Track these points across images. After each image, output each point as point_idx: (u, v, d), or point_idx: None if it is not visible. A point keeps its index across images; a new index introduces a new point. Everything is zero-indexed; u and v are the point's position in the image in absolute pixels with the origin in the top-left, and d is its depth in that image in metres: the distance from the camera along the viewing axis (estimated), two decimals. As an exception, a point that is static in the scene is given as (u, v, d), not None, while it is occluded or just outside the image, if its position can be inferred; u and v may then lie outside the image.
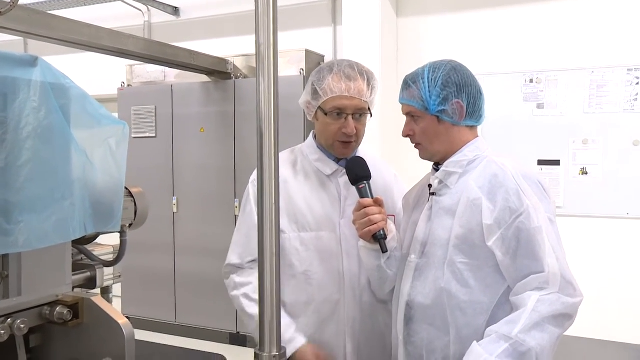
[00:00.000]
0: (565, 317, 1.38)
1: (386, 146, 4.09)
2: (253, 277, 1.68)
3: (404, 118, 1.63)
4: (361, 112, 1.71)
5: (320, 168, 1.78)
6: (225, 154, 4.70)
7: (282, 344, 1.41)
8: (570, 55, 4.14)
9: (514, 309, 1.41)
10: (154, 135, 5.04)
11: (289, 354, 1.57)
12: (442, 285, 1.50)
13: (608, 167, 4.06)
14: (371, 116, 1.75)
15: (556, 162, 4.18)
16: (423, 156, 1.63)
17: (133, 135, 5.07)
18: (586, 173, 4.11)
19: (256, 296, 1.50)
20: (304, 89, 1.79)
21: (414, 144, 1.62)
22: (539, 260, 1.40)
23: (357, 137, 1.73)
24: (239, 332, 4.68)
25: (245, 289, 1.73)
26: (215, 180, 4.74)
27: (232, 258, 1.79)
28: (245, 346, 4.61)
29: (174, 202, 4.94)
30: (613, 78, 4.03)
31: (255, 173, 1.85)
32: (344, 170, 1.73)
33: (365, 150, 1.83)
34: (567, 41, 4.15)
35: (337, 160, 1.78)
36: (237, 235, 1.81)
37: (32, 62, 1.21)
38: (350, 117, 1.68)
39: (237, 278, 1.77)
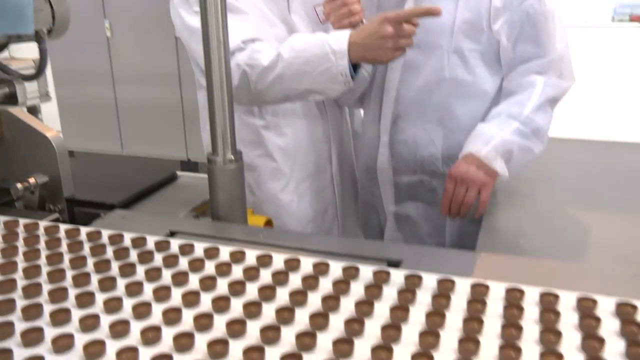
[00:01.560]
0: (557, 101, 1.41)
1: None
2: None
3: None
4: None
5: None
6: (158, -32, 4.22)
7: (332, 53, 1.25)
8: None
9: (511, 93, 1.40)
10: (73, -53, 4.45)
11: (344, 47, 1.28)
12: (447, 75, 1.43)
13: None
14: None
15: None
16: None
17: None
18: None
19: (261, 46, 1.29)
20: None
21: None
22: (542, 45, 1.37)
23: None
24: (189, 159, 4.60)
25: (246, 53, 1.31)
26: (150, -1, 4.31)
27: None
28: (197, 172, 4.56)
29: (107, 25, 4.52)
30: None
31: None
32: None
33: None
34: None
35: None
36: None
37: None
38: None
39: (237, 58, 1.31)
